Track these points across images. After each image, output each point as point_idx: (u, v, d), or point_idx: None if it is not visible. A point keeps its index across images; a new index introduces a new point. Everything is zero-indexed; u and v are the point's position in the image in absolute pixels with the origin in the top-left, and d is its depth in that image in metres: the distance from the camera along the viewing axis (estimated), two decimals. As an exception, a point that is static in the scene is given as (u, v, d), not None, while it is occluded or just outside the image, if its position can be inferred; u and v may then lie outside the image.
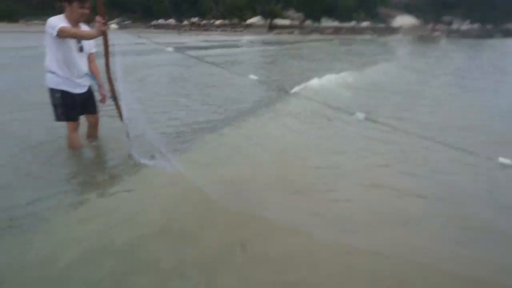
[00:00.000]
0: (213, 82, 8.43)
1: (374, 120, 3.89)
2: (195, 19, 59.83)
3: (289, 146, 4.34)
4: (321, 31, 58.15)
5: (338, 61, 15.40)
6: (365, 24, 62.19)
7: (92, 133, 4.04)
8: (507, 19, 60.55)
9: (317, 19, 60.64)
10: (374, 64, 13.74)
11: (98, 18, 3.14)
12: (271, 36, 43.05)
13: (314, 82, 7.63)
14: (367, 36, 50.53)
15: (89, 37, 3.40)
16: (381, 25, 62.61)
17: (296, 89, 6.68)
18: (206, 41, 26.13)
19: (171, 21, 59.99)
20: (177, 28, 57.57)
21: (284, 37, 43.82)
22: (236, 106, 6.25)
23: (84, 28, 3.52)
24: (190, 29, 56.66)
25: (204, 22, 59.30)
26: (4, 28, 42.56)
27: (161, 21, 60.20)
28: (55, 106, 3.58)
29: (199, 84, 8.33)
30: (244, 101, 6.64)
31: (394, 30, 61.86)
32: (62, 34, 3.24)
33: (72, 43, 3.45)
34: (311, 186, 3.29)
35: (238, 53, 18.09)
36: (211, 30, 55.68)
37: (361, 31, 59.52)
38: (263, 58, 17.25)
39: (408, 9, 66.55)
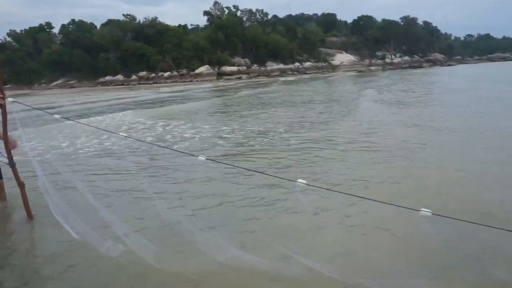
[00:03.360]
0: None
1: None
2: (143, 73, 60.36)
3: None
4: (268, 73, 60.73)
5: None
6: (307, 64, 65.67)
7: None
8: (429, 50, 67.46)
9: (262, 63, 63.38)
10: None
11: None
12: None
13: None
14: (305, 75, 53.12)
15: None
16: (323, 64, 66.51)
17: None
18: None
19: (119, 77, 60.21)
20: (125, 83, 57.78)
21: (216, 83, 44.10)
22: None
23: None
24: (139, 84, 57.01)
25: (153, 75, 59.93)
26: None
27: (108, 77, 60.25)
28: None
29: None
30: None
31: (335, 68, 65.78)
32: None
33: None
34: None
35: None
36: (159, 82, 56.38)
37: (304, 71, 62.79)
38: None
39: (344, 48, 71.56)
